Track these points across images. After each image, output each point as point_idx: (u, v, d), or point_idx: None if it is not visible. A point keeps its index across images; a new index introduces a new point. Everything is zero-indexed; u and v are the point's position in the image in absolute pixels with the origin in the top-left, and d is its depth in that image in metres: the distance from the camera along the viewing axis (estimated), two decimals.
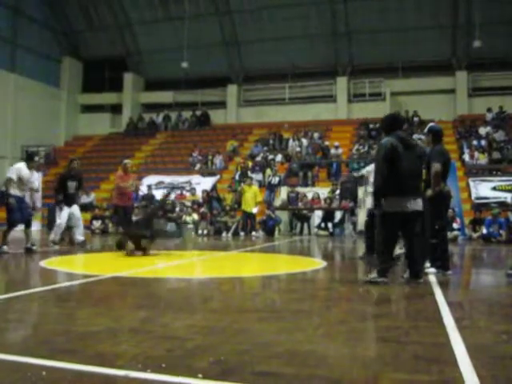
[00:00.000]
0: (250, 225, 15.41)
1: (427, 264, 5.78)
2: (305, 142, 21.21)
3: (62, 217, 9.39)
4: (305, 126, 22.90)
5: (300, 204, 16.22)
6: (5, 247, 8.20)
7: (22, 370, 2.24)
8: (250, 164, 20.16)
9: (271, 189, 17.81)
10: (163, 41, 25.39)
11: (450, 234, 11.22)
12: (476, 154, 18.96)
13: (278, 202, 16.75)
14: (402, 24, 22.59)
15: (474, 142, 19.75)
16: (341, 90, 24.99)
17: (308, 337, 2.88)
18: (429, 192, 5.69)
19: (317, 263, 7.33)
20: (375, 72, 24.48)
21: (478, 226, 14.06)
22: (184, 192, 18.04)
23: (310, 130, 22.39)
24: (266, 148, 22.01)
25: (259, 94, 26.32)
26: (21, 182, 8.39)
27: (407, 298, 4.51)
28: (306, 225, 16.26)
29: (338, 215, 16.12)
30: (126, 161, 11.24)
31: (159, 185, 19.13)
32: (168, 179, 19.67)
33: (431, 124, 6.65)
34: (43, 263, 6.78)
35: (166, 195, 17.25)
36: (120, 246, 8.15)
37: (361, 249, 8.59)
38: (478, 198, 16.28)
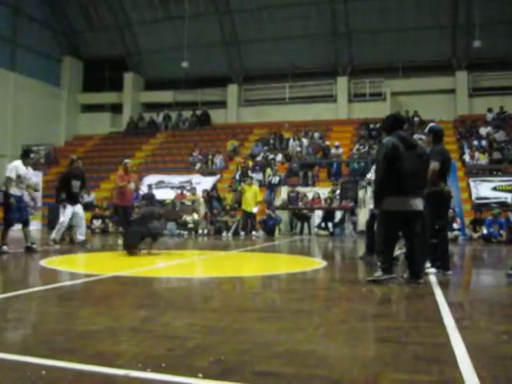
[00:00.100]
0: (251, 224, 15.41)
1: (427, 264, 5.78)
2: (305, 141, 21.21)
3: (66, 215, 9.41)
4: (305, 126, 22.90)
5: (300, 204, 16.22)
6: (5, 247, 8.20)
7: (22, 369, 2.24)
8: (251, 164, 20.16)
9: (271, 188, 17.81)
10: (163, 40, 25.38)
11: (450, 234, 11.21)
12: (476, 154, 18.95)
13: (278, 202, 16.74)
14: (402, 24, 22.58)
15: (475, 142, 19.74)
16: (341, 90, 24.99)
17: (308, 337, 2.88)
18: (425, 190, 5.68)
19: (317, 263, 7.33)
20: (375, 72, 24.47)
21: (478, 226, 14.05)
22: (184, 191, 18.04)
23: (310, 130, 22.39)
24: (266, 148, 22.01)
25: (259, 93, 26.32)
26: (19, 179, 8.40)
27: (407, 298, 4.51)
28: (306, 225, 16.26)
29: (339, 215, 16.12)
30: (127, 160, 11.25)
31: (159, 184, 19.13)
32: (168, 179, 19.67)
33: (432, 124, 6.65)
34: (43, 262, 6.78)
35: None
36: (128, 246, 8.10)
37: (361, 249, 8.59)
38: (478, 199, 16.28)
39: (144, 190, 16.58)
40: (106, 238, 13.49)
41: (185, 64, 22.90)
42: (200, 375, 2.14)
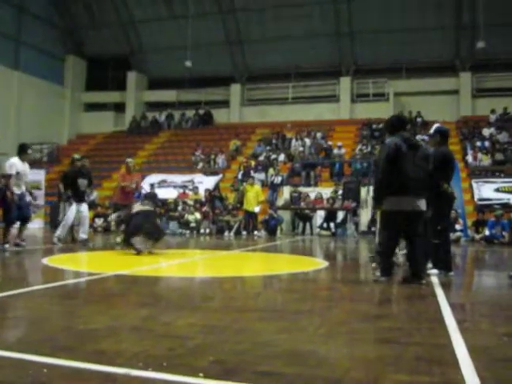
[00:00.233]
0: (252, 224, 15.41)
1: (429, 265, 5.77)
2: (308, 141, 21.20)
3: (71, 213, 9.43)
4: (308, 126, 22.89)
5: (302, 204, 16.20)
6: (6, 245, 8.22)
7: (23, 366, 2.24)
8: (253, 163, 20.16)
9: (274, 188, 17.79)
10: (167, 39, 25.40)
11: (452, 235, 11.18)
12: (479, 155, 18.93)
13: (280, 202, 16.73)
14: (405, 24, 22.54)
15: (478, 143, 19.71)
16: (344, 90, 24.98)
17: (309, 337, 2.88)
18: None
19: (318, 263, 7.33)
20: (379, 72, 24.45)
21: (480, 227, 14.01)
22: (186, 191, 18.04)
23: (312, 130, 22.37)
24: (268, 147, 22.01)
25: (262, 93, 26.32)
26: (17, 176, 8.39)
27: (409, 298, 4.49)
28: (308, 225, 16.25)
29: (341, 215, 16.10)
30: (129, 160, 11.27)
31: (162, 183, 19.14)
32: (171, 178, 19.68)
33: (438, 125, 6.42)
34: (45, 261, 6.79)
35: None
36: (128, 244, 8.08)
37: (363, 249, 8.58)
38: (480, 200, 16.24)
39: (146, 188, 16.58)
40: (107, 237, 13.50)
41: (188, 63, 22.90)
42: (201, 375, 2.13)
